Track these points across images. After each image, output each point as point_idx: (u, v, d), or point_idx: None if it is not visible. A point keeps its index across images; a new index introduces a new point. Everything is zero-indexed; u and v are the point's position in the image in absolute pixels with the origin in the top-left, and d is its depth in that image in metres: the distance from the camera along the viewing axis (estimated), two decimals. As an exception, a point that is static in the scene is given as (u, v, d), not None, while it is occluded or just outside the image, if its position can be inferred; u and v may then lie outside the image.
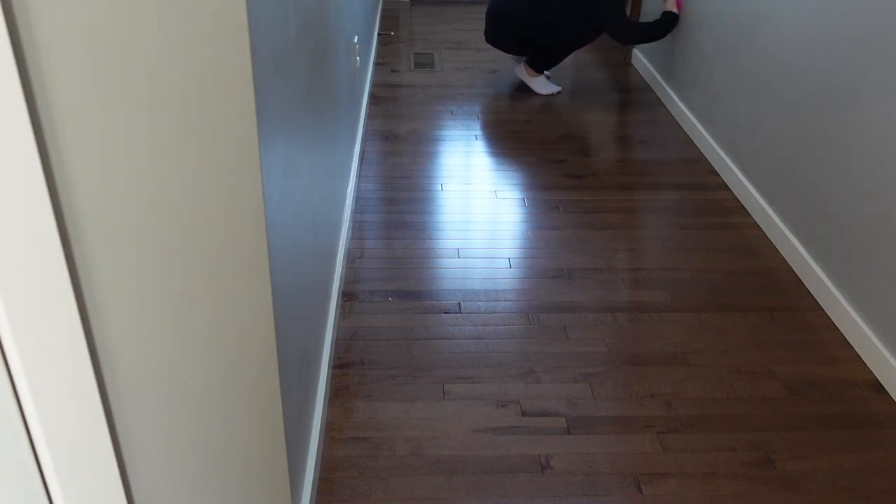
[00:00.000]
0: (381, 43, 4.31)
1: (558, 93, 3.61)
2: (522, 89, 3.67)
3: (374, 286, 2.18)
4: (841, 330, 2.04)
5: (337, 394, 1.79)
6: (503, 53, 4.16)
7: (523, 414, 1.75)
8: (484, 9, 5.05)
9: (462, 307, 2.10)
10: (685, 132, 3.23)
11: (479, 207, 2.63)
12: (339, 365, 1.88)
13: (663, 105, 3.52)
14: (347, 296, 2.14)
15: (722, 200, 2.70)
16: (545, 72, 3.64)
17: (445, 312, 2.08)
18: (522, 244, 2.41)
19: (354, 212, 2.56)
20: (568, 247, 2.40)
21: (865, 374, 1.89)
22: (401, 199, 2.66)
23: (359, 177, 2.80)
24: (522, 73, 3.63)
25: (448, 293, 2.16)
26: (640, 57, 3.94)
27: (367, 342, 1.96)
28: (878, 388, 1.85)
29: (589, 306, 2.12)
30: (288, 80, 1.21)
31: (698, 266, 2.32)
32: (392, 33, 4.49)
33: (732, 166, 2.77)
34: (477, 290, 2.18)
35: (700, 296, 2.18)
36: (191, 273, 0.70)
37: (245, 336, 0.91)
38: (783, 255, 2.37)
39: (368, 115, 3.33)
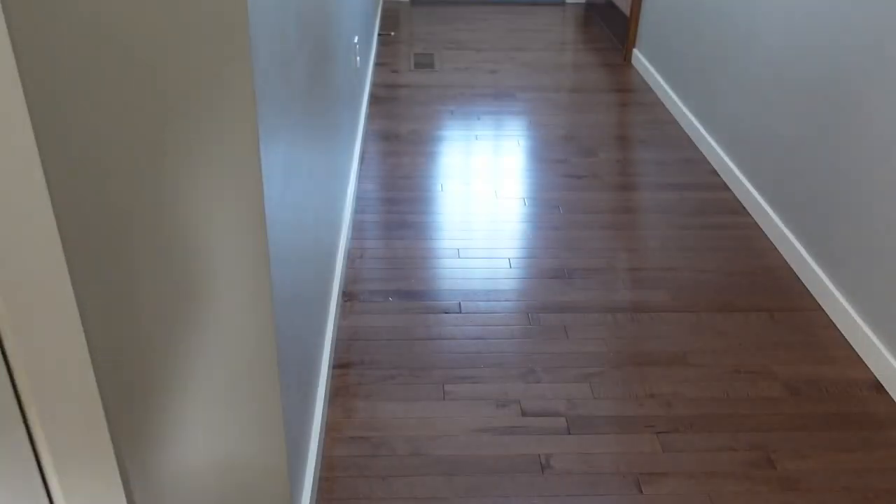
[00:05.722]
0: (381, 43, 4.31)
1: None
2: (522, 90, 3.67)
3: (374, 286, 2.18)
4: (841, 330, 2.04)
5: (337, 394, 1.79)
6: (503, 53, 4.16)
7: (523, 414, 1.75)
8: (484, 9, 5.06)
9: (462, 307, 2.10)
10: (685, 132, 3.23)
11: (479, 207, 2.63)
12: (339, 365, 1.88)
13: (663, 105, 3.52)
14: (347, 296, 2.13)
15: (722, 200, 2.70)
16: None
17: (445, 312, 2.08)
18: (522, 244, 2.41)
19: (354, 212, 2.56)
20: (568, 247, 2.40)
21: (865, 374, 1.89)
22: (401, 199, 2.66)
23: (359, 177, 2.80)
24: None
25: (448, 293, 2.16)
26: (640, 57, 3.94)
27: (367, 342, 1.96)
28: (878, 388, 1.85)
29: (589, 306, 2.12)
30: (288, 80, 1.21)
31: (698, 266, 2.32)
32: (392, 33, 4.49)
33: (732, 166, 2.77)
34: (477, 290, 2.17)
35: (700, 296, 2.18)
36: (191, 273, 0.70)
37: (245, 336, 0.91)
38: (783, 255, 2.37)
39: (368, 116, 3.33)
